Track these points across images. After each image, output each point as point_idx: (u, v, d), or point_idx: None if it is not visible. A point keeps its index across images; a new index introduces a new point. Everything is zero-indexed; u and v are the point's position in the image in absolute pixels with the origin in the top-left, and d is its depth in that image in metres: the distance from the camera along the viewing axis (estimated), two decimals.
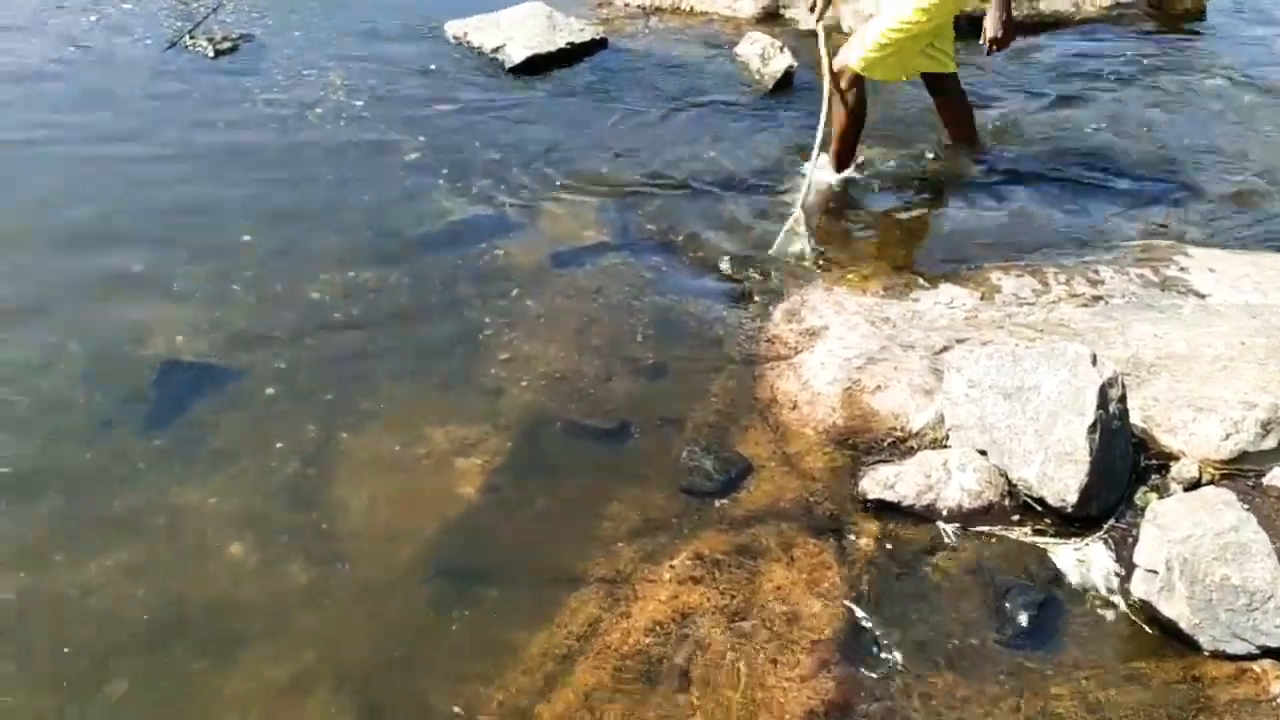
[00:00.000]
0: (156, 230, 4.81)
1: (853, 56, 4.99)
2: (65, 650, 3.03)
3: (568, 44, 6.58)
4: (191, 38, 6.50)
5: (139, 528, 3.41)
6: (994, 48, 4.82)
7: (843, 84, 5.06)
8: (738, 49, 6.61)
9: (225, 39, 6.51)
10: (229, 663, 3.02)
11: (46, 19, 6.79)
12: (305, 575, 3.32)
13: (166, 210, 4.97)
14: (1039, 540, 3.42)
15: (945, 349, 3.99)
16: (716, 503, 3.54)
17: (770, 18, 7.24)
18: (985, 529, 3.45)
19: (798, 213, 4.85)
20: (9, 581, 3.21)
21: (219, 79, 6.17)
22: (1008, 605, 3.21)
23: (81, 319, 4.22)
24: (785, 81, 6.30)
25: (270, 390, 3.96)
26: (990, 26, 4.78)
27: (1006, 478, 3.53)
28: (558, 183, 5.30)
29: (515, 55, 6.44)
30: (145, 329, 4.18)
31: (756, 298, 4.49)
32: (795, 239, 4.80)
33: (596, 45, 6.70)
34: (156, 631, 3.10)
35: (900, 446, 3.71)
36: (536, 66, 6.45)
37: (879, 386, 3.87)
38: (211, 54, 6.37)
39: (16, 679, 2.95)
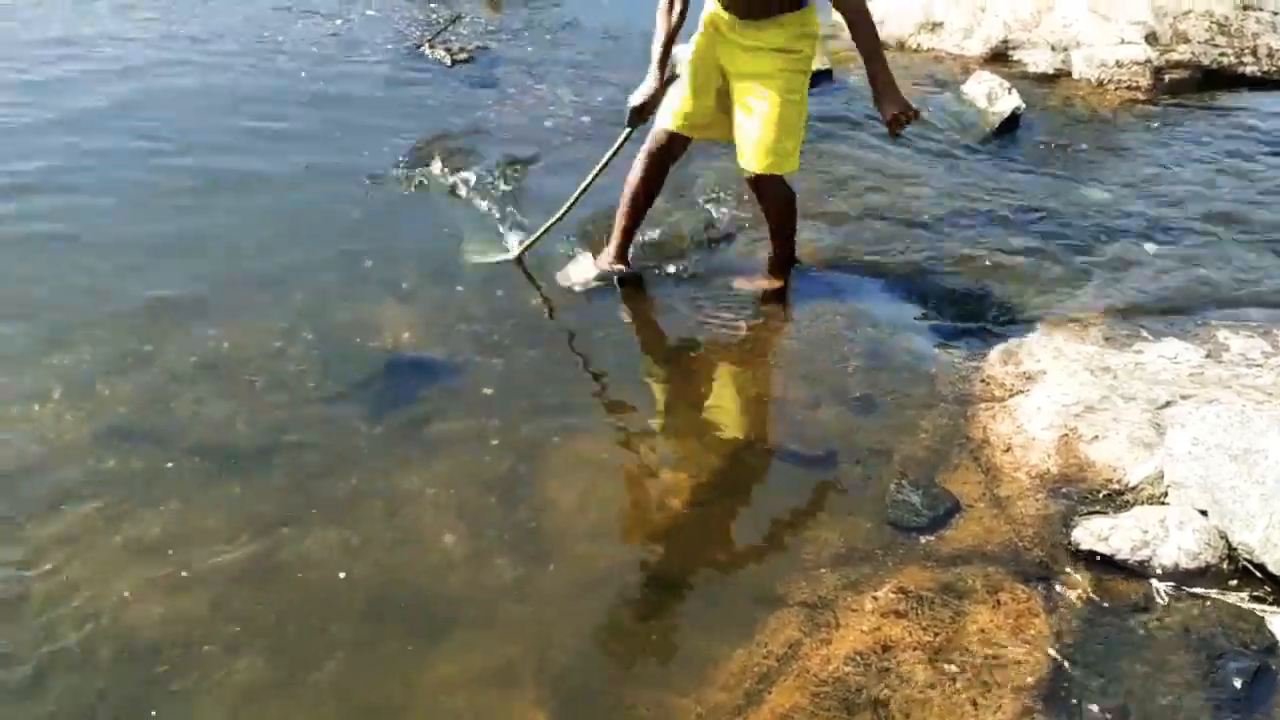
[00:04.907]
0: (385, 228, 4.98)
1: (788, 160, 4.39)
2: (286, 621, 3.16)
3: None
4: (431, 47, 6.73)
5: (359, 509, 3.54)
6: (899, 126, 4.20)
7: (775, 191, 4.52)
8: (964, 88, 6.56)
9: (462, 50, 6.73)
10: (437, 648, 3.10)
11: (292, 22, 7.10)
12: (512, 570, 3.39)
13: (395, 210, 5.16)
14: (1257, 607, 3.30)
15: (1169, 404, 3.89)
16: (922, 539, 3.51)
17: (998, 58, 7.16)
18: (1200, 591, 3.35)
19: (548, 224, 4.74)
20: (238, 550, 3.35)
21: (455, 87, 6.37)
22: (1220, 670, 3.11)
23: (315, 308, 4.40)
24: (1011, 123, 6.23)
25: (488, 390, 4.07)
26: (890, 105, 4.16)
27: (1227, 540, 3.42)
28: None
29: None
30: (374, 321, 4.33)
31: (972, 336, 4.44)
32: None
33: (821, 76, 6.69)
34: (370, 611, 3.20)
35: (1116, 499, 3.63)
36: None
37: (1097, 436, 3.80)
38: (449, 63, 6.59)
39: (240, 645, 3.08)
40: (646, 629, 3.22)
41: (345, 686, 2.99)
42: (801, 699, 2.97)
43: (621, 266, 4.69)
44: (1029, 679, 3.05)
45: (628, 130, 4.42)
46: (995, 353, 4.31)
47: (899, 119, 4.14)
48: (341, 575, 3.30)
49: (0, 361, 4.03)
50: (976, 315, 4.58)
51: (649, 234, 4.95)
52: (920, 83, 6.84)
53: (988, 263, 4.96)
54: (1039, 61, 7.10)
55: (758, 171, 4.38)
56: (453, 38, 6.94)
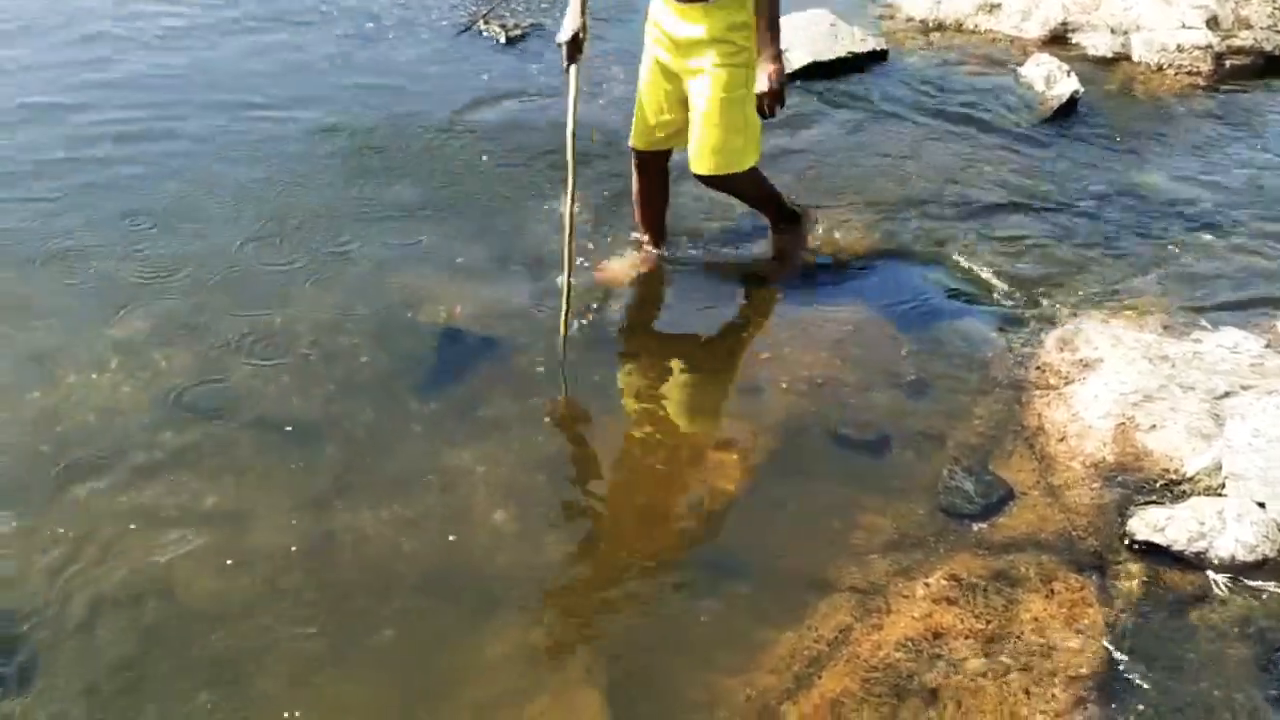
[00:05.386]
0: (441, 205, 4.98)
1: (740, 157, 4.26)
2: (338, 596, 3.18)
3: (848, 53, 6.54)
4: (486, 22, 6.72)
5: (411, 485, 3.56)
6: (767, 102, 4.01)
7: (729, 188, 4.47)
8: (1022, 70, 6.47)
9: (516, 26, 6.71)
10: (489, 625, 3.12)
11: None
12: (562, 549, 3.41)
13: (449, 185, 5.14)
14: None
15: (1228, 394, 3.84)
16: (975, 526, 3.49)
17: (1057, 41, 7.05)
18: (1258, 584, 3.31)
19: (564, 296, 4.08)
20: (292, 524, 3.38)
21: (509, 63, 6.36)
22: (1277, 663, 3.08)
23: (370, 283, 4.41)
24: (1069, 107, 6.14)
25: (540, 369, 4.07)
26: (760, 81, 3.99)
27: None
28: (827, 190, 5.28)
29: (795, 60, 6.43)
30: (427, 297, 4.33)
31: (1027, 323, 4.39)
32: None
33: (877, 56, 6.65)
34: (422, 586, 3.23)
35: (1172, 489, 3.59)
36: (814, 73, 6.43)
37: (1154, 426, 3.75)
38: (503, 40, 6.57)
39: (293, 618, 3.11)
40: (696, 610, 3.21)
41: (397, 661, 3.01)
42: (851, 684, 2.97)
43: (658, 250, 4.69)
44: (1082, 669, 3.03)
45: (572, 69, 4.14)
46: (1051, 339, 4.26)
47: (769, 97, 3.99)
48: (394, 550, 3.32)
49: (60, 330, 4.07)
50: (1032, 301, 4.53)
51: (692, 218, 4.93)
52: (974, 64, 6.76)
53: (1043, 248, 4.90)
54: (1098, 45, 6.99)
55: (703, 174, 4.29)
56: (507, 14, 6.91)
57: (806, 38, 6.57)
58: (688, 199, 4.91)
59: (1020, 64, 6.58)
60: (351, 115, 5.68)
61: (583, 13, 4.11)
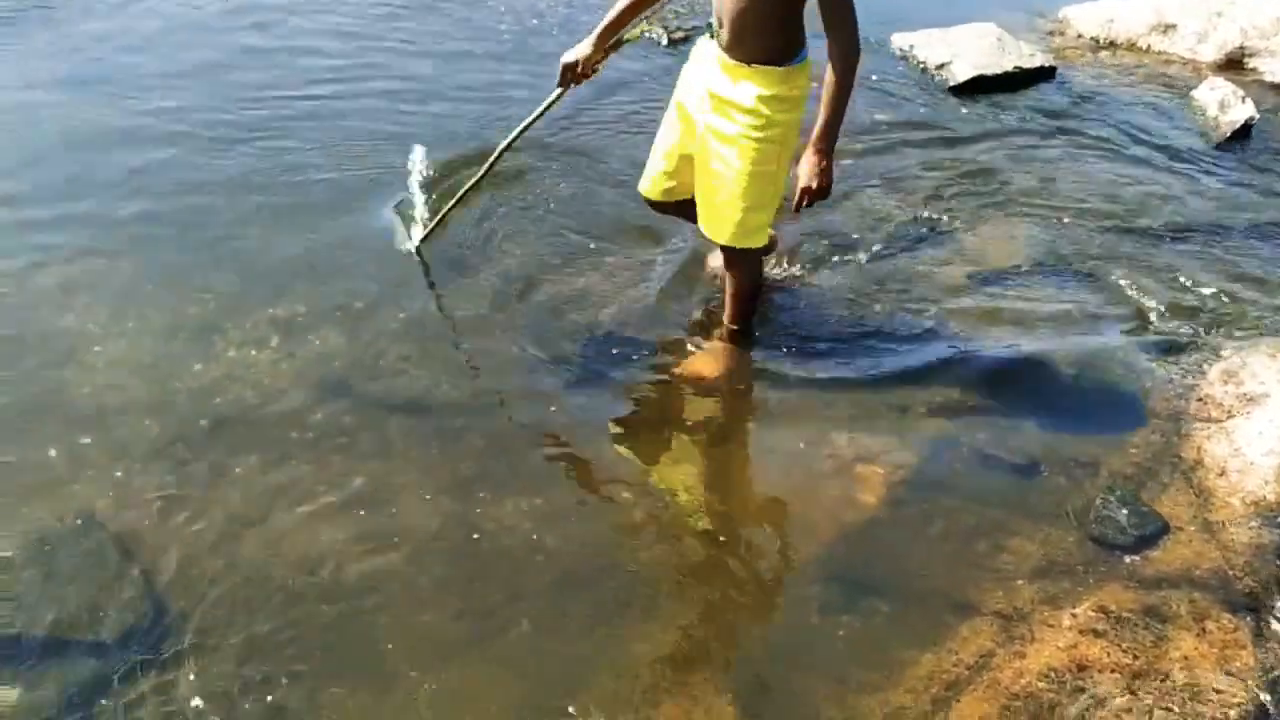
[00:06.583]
0: (592, 207, 5.01)
1: (755, 236, 3.89)
2: (477, 582, 3.22)
3: (1015, 68, 6.43)
4: (648, 24, 6.74)
5: (553, 477, 3.60)
6: (806, 199, 3.68)
7: (745, 265, 4.06)
8: (1195, 93, 6.30)
9: (679, 28, 6.72)
10: (621, 623, 3.13)
11: None
12: (702, 552, 3.40)
13: (602, 188, 5.16)
14: None
15: None
16: (1127, 558, 3.40)
17: (1233, 65, 6.86)
18: None
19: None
20: (437, 509, 3.43)
21: (668, 67, 6.37)
22: None
23: (520, 275, 4.45)
24: (1243, 133, 5.96)
25: (681, 369, 4.07)
26: (805, 174, 3.64)
27: None
28: (989, 206, 5.19)
29: (960, 73, 6.35)
30: (578, 296, 4.36)
31: (1189, 353, 4.26)
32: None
33: (1044, 73, 6.52)
34: (561, 579, 3.24)
35: None
36: (978, 87, 6.34)
37: None
38: (664, 42, 6.59)
39: (433, 602, 3.15)
40: (833, 626, 3.17)
41: (530, 652, 3.03)
42: (990, 710, 2.91)
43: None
44: (1231, 713, 2.93)
45: (558, 91, 4.05)
46: (1214, 371, 4.13)
47: (813, 194, 3.67)
48: (534, 541, 3.34)
49: (224, 307, 4.17)
50: (1195, 331, 4.40)
51: (836, 234, 4.91)
52: (1143, 84, 6.59)
53: (1209, 277, 4.75)
54: (1276, 71, 6.77)
55: (722, 244, 3.94)
56: (671, 16, 6.93)
57: (972, 50, 6.49)
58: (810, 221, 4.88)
59: (1193, 87, 6.40)
60: (506, 110, 5.72)
61: (598, 46, 3.95)
